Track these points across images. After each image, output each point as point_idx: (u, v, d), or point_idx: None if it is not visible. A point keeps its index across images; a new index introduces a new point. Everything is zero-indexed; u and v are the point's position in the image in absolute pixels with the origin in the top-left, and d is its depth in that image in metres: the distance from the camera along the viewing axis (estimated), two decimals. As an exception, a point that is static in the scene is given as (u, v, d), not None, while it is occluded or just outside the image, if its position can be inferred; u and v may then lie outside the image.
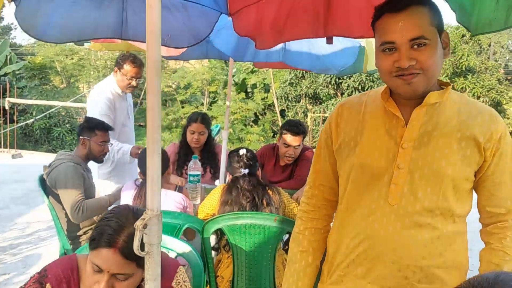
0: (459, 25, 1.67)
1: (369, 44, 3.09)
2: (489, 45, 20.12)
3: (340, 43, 3.06)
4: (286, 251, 2.24)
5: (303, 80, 15.61)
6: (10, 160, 9.02)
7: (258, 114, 17.88)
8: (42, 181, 2.85)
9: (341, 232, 1.42)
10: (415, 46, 1.21)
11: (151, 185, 1.02)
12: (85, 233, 2.85)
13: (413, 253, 1.28)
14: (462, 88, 13.67)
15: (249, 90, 18.20)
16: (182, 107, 18.14)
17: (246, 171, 2.54)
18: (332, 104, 14.63)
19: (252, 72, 17.24)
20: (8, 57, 15.75)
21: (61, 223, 2.81)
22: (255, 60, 3.28)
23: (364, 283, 1.34)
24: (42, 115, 14.14)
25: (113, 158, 3.30)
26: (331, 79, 14.71)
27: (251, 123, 17.66)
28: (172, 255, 2.02)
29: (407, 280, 1.29)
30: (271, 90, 17.05)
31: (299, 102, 16.07)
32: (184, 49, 2.86)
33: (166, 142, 14.78)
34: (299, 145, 3.42)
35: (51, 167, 2.80)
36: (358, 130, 1.38)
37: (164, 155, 2.75)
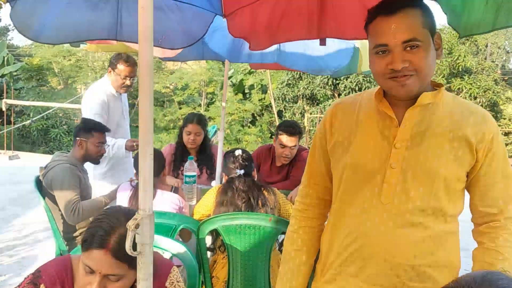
0: (454, 26, 1.68)
1: (364, 45, 3.10)
2: (486, 46, 20.21)
3: (334, 44, 3.07)
4: (282, 251, 2.25)
5: (300, 81, 15.64)
6: (7, 161, 9.01)
7: (255, 115, 17.91)
8: (38, 182, 2.85)
9: (334, 231, 1.43)
10: (408, 48, 1.22)
11: (143, 185, 1.02)
12: (81, 234, 2.85)
13: (405, 251, 1.29)
14: (459, 88, 13.71)
15: (246, 91, 18.23)
16: (180, 108, 18.16)
17: (242, 172, 2.55)
18: (329, 105, 14.64)
19: (250, 73, 17.26)
20: (5, 58, 15.71)
21: (57, 224, 2.80)
22: (250, 61, 3.30)
23: (356, 281, 1.35)
24: (39, 117, 14.12)
25: (107, 154, 3.30)
26: (328, 80, 14.74)
27: (248, 124, 17.68)
28: (167, 255, 2.03)
29: (399, 278, 1.30)
30: (268, 91, 17.08)
31: (296, 103, 16.10)
32: (179, 50, 2.87)
33: (164, 143, 14.77)
34: (295, 146, 3.43)
35: (47, 168, 2.80)
36: (352, 130, 1.39)
37: (160, 157, 2.76)
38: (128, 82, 3.45)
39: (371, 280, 1.33)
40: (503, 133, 14.78)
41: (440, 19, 1.37)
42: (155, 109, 18.94)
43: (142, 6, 0.97)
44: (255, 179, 2.68)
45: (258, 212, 2.41)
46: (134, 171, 2.75)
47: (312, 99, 15.70)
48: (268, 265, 2.34)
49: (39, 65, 18.30)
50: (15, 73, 17.03)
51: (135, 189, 2.62)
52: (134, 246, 1.08)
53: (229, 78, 18.09)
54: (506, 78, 17.45)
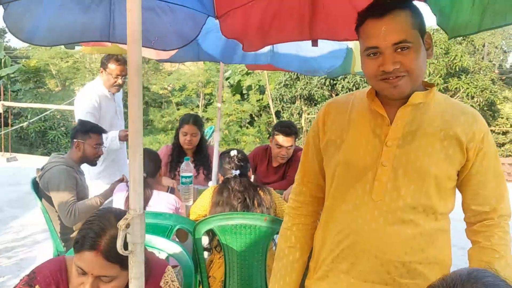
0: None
1: (357, 46, 3.11)
2: (483, 46, 20.24)
3: (327, 45, 3.08)
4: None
5: (298, 82, 15.65)
6: (5, 163, 9.00)
7: (253, 115, 17.92)
8: (35, 184, 2.86)
9: (326, 228, 1.45)
10: (399, 50, 1.24)
11: (133, 185, 1.03)
12: (78, 235, 2.86)
13: (396, 248, 1.30)
14: (456, 88, 13.72)
15: (244, 91, 18.24)
16: (178, 109, 18.17)
17: (237, 172, 2.56)
18: (326, 105, 14.65)
19: (247, 74, 17.28)
20: (3, 60, 15.70)
21: (54, 226, 2.81)
22: (244, 62, 3.31)
23: (348, 278, 1.37)
24: (36, 118, 14.11)
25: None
26: (325, 80, 14.76)
27: (246, 125, 17.70)
28: (163, 256, 2.04)
29: (390, 275, 1.31)
30: (266, 92, 17.09)
31: (294, 103, 16.12)
32: (173, 52, 2.88)
33: (162, 144, 14.76)
34: (291, 146, 3.45)
35: (44, 170, 2.81)
36: (344, 128, 1.41)
37: (156, 158, 2.77)
38: (119, 81, 3.50)
39: (362, 277, 1.34)
40: (501, 133, 14.81)
41: (431, 20, 1.38)
42: (153, 111, 18.95)
43: (130, 8, 0.98)
44: (251, 179, 2.69)
45: (253, 212, 2.42)
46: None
47: (310, 100, 15.72)
48: (264, 264, 2.35)
49: (36, 67, 18.30)
50: (12, 75, 17.01)
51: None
52: (126, 246, 1.09)
53: (227, 79, 18.11)
54: (503, 78, 17.49)
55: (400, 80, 1.25)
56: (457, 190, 1.40)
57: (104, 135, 3.23)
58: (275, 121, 16.49)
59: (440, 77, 13.46)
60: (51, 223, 2.80)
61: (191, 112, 14.22)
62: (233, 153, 2.65)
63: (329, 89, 15.04)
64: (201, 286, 2.47)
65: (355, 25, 1.33)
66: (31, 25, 1.63)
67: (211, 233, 2.47)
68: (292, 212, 1.57)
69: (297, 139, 3.61)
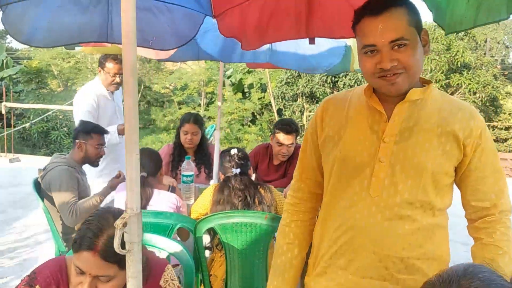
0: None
1: (355, 43, 3.11)
2: (485, 41, 20.17)
3: (325, 43, 3.09)
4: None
5: (300, 79, 15.63)
6: (7, 164, 9.03)
7: (255, 113, 17.92)
8: (37, 184, 2.87)
9: (325, 225, 1.45)
10: (396, 47, 1.24)
11: (130, 184, 1.04)
12: (79, 235, 2.87)
13: (393, 244, 1.31)
14: (458, 84, 13.67)
15: (246, 90, 18.23)
16: (180, 108, 18.18)
17: (238, 170, 2.56)
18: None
19: (249, 72, 17.27)
20: (5, 61, 15.69)
21: (56, 226, 2.83)
22: (242, 61, 3.31)
23: (346, 274, 1.37)
24: (38, 119, 14.14)
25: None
26: (327, 78, 14.75)
27: (248, 123, 17.69)
28: (163, 255, 2.05)
29: (388, 270, 1.32)
30: (267, 90, 17.08)
31: (296, 101, 16.10)
32: (172, 51, 2.90)
33: (164, 144, 14.78)
34: (292, 144, 3.45)
35: (45, 170, 2.82)
36: (342, 124, 1.41)
37: (157, 157, 2.78)
38: (117, 79, 3.54)
39: (360, 273, 1.35)
40: (503, 128, 14.75)
41: (429, 16, 1.39)
42: (155, 110, 18.97)
43: (124, 9, 0.99)
44: (252, 177, 2.69)
45: (254, 210, 2.43)
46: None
47: (312, 97, 15.71)
48: (265, 262, 2.36)
49: (38, 68, 18.34)
50: (14, 76, 17.04)
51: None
52: (123, 245, 1.10)
53: (228, 77, 18.10)
54: (505, 73, 17.42)
55: (398, 77, 1.26)
56: (455, 187, 1.41)
57: (101, 123, 3.27)
58: (277, 119, 16.48)
59: (442, 73, 13.40)
60: (53, 223, 2.81)
61: (193, 111, 14.27)
62: (234, 151, 2.66)
63: (331, 86, 15.02)
64: (202, 285, 2.48)
65: (352, 23, 1.34)
66: (30, 27, 1.64)
67: (212, 232, 2.48)
68: (290, 208, 1.58)
69: (298, 137, 3.61)
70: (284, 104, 16.35)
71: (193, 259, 2.23)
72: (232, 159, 2.61)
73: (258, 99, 17.44)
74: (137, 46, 1.81)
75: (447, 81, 13.72)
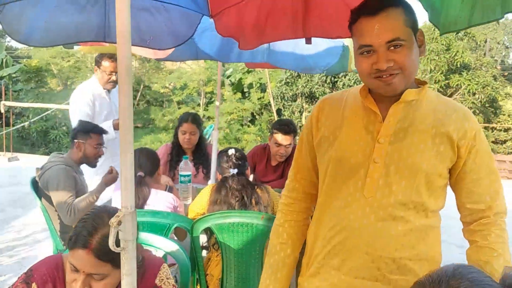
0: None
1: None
2: (485, 41, 20.17)
3: (323, 43, 3.10)
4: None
5: (299, 80, 15.64)
6: (6, 163, 9.02)
7: (254, 114, 17.91)
8: (34, 183, 2.88)
9: (319, 225, 1.46)
10: (392, 48, 1.24)
11: (124, 183, 1.05)
12: (77, 233, 2.87)
13: (386, 244, 1.31)
14: (457, 85, 13.66)
15: (245, 90, 18.22)
16: (179, 108, 18.17)
17: (235, 171, 2.57)
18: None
19: (248, 72, 17.26)
20: (4, 60, 15.72)
21: (54, 224, 2.84)
22: (240, 60, 3.32)
23: (339, 274, 1.38)
24: (37, 118, 14.14)
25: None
26: (326, 78, 14.75)
27: (248, 123, 17.68)
28: (160, 254, 2.06)
29: (380, 271, 1.32)
30: (267, 90, 17.08)
31: (295, 101, 16.10)
32: (170, 51, 2.90)
33: (163, 143, 14.78)
34: (290, 144, 3.46)
35: (43, 169, 2.83)
36: (337, 125, 1.42)
37: (154, 157, 2.78)
38: (114, 77, 3.58)
39: (353, 273, 1.35)
40: (502, 129, 14.74)
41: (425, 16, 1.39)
42: (154, 109, 18.97)
43: (119, 9, 0.99)
44: (250, 178, 2.69)
45: (251, 210, 2.43)
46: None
47: (311, 97, 15.71)
48: (261, 262, 2.36)
49: (37, 67, 18.32)
50: (13, 75, 17.05)
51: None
52: (118, 243, 1.10)
53: (228, 77, 18.10)
54: (505, 74, 17.41)
55: (394, 77, 1.26)
56: (450, 190, 1.41)
57: (97, 121, 3.30)
58: (276, 119, 16.49)
59: (441, 73, 13.39)
60: (50, 222, 2.82)
61: (192, 111, 14.26)
62: (231, 151, 2.66)
63: (330, 86, 15.02)
64: (199, 284, 2.49)
65: (348, 23, 1.34)
66: (27, 26, 1.64)
67: (209, 231, 2.48)
68: (284, 208, 1.59)
69: (296, 137, 3.62)
70: (284, 104, 16.35)
71: (190, 258, 2.24)
72: (229, 159, 2.61)
73: (258, 99, 17.43)
74: (135, 45, 1.84)
75: (447, 81, 13.72)
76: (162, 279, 1.53)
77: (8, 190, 6.53)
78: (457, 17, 1.29)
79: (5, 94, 12.24)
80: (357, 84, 14.16)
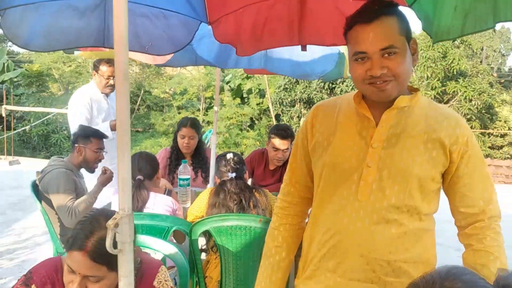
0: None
1: (348, 50, 3.16)
2: (482, 49, 20.21)
3: (319, 49, 3.12)
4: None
5: (297, 85, 15.69)
6: (7, 167, 9.04)
7: (253, 119, 17.93)
8: (35, 187, 2.90)
9: (314, 228, 1.48)
10: (386, 55, 1.27)
11: (121, 186, 1.07)
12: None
13: (380, 247, 1.33)
14: (454, 91, 13.69)
15: (244, 95, 18.26)
16: (179, 113, 18.20)
17: (233, 175, 2.58)
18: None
19: (247, 77, 17.31)
20: (5, 64, 15.74)
21: (54, 227, 2.85)
22: (237, 66, 3.34)
23: (334, 277, 1.40)
24: (38, 122, 14.17)
25: None
26: (324, 84, 14.79)
27: (247, 128, 17.71)
28: (159, 256, 2.08)
29: (375, 273, 1.34)
30: (266, 95, 17.12)
31: (293, 106, 16.14)
32: (168, 56, 2.94)
33: (163, 148, 14.76)
34: (287, 149, 3.48)
35: (43, 173, 2.84)
36: (331, 130, 1.44)
37: (153, 160, 2.81)
38: (112, 81, 3.64)
39: (348, 275, 1.37)
40: (499, 135, 14.75)
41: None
42: (155, 114, 19.00)
43: (117, 14, 1.02)
44: (248, 182, 2.71)
45: (249, 214, 2.45)
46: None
47: (309, 103, 15.74)
48: (259, 264, 2.37)
49: (39, 71, 18.36)
50: (15, 79, 17.08)
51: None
52: (115, 245, 1.12)
53: (227, 83, 18.14)
54: (502, 81, 17.44)
55: (388, 84, 1.29)
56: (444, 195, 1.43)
57: (96, 127, 3.33)
58: (275, 124, 16.49)
59: (438, 80, 13.42)
60: (50, 224, 2.84)
61: (190, 116, 14.27)
62: (229, 156, 2.68)
63: (328, 92, 15.05)
64: (198, 287, 2.50)
65: (344, 30, 1.36)
66: (28, 31, 1.66)
67: (207, 234, 2.50)
68: (280, 212, 1.61)
69: (293, 142, 3.64)
70: (282, 109, 16.39)
71: (189, 261, 2.25)
72: (227, 164, 2.63)
73: (257, 104, 17.47)
74: (134, 51, 1.87)
75: (443, 88, 13.75)
76: (161, 281, 1.54)
77: (9, 193, 6.55)
78: (450, 26, 1.32)
79: (7, 98, 12.29)
80: (354, 90, 14.16)
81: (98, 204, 2.93)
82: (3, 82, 15.70)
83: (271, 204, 2.64)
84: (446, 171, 1.37)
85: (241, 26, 1.91)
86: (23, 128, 13.25)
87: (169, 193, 2.82)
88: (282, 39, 2.00)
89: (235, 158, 2.67)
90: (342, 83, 14.34)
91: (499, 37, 24.09)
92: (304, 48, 1.98)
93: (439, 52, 13.39)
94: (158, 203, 2.61)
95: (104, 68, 3.61)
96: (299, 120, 15.87)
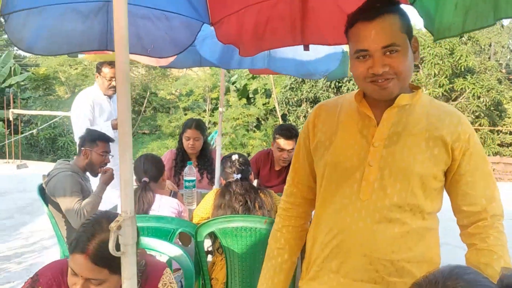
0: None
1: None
2: (490, 45, 20.06)
3: (323, 49, 3.11)
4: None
5: (304, 85, 15.65)
6: (15, 170, 9.10)
7: (260, 119, 17.92)
8: (41, 190, 2.92)
9: (317, 229, 1.47)
10: (388, 53, 1.27)
11: (124, 188, 1.07)
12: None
13: (383, 247, 1.32)
14: (461, 88, 13.59)
15: (250, 95, 18.27)
16: (185, 114, 18.24)
17: (239, 176, 2.59)
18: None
19: (253, 78, 17.30)
20: (12, 68, 15.88)
21: (60, 231, 2.87)
22: (241, 67, 3.35)
23: (337, 277, 1.39)
24: (46, 125, 14.26)
25: None
26: (330, 83, 14.73)
27: (253, 128, 17.71)
28: (164, 258, 2.08)
29: (378, 273, 1.33)
30: (272, 95, 17.12)
31: (300, 106, 16.11)
32: (172, 58, 2.94)
33: (170, 149, 14.79)
34: (292, 149, 3.47)
35: (49, 176, 2.86)
36: (333, 130, 1.44)
37: (159, 162, 2.82)
38: (114, 83, 3.71)
39: (351, 275, 1.36)
40: (508, 132, 14.62)
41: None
42: (161, 116, 19.06)
43: (117, 14, 1.02)
44: (253, 183, 2.72)
45: (254, 215, 2.45)
46: (134, 177, 2.80)
47: (316, 102, 15.69)
48: (264, 266, 2.38)
49: (45, 75, 18.48)
50: (22, 83, 17.21)
51: (134, 193, 2.67)
52: (118, 247, 1.13)
53: (233, 83, 18.16)
54: (510, 77, 17.27)
55: (389, 82, 1.28)
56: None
57: (97, 126, 3.36)
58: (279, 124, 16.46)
59: (445, 77, 13.33)
60: (57, 228, 2.85)
61: (197, 117, 14.31)
62: (235, 157, 2.69)
63: (335, 91, 15.01)
64: (203, 288, 2.51)
65: (345, 28, 1.36)
66: (32, 35, 1.67)
67: (213, 236, 2.51)
68: (282, 213, 1.61)
69: (298, 142, 3.63)
70: (289, 109, 16.36)
71: (195, 263, 2.25)
72: (233, 165, 2.64)
73: (263, 104, 17.47)
74: (136, 54, 1.87)
75: (451, 85, 13.65)
76: (165, 284, 1.55)
77: (17, 197, 6.60)
78: (451, 23, 1.31)
79: (14, 102, 12.37)
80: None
81: (105, 206, 2.94)
82: (10, 86, 15.83)
83: (277, 205, 2.63)
84: (448, 169, 1.36)
85: (243, 27, 1.91)
86: (30, 132, 13.36)
87: (174, 195, 2.83)
88: (284, 39, 2.00)
89: (240, 160, 2.67)
90: (349, 82, 14.29)
91: (508, 33, 23.92)
92: (306, 48, 1.98)
93: (446, 49, 13.28)
94: (164, 205, 2.62)
95: (106, 70, 3.67)
96: (306, 119, 15.83)
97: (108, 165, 3.35)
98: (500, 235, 1.33)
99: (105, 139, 3.02)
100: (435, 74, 13.44)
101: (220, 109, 3.83)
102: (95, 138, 2.98)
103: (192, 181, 3.09)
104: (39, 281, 1.49)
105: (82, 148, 2.95)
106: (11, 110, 10.48)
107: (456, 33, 1.29)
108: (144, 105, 19.26)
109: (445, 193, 1.42)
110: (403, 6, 1.35)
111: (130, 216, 1.07)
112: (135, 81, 18.94)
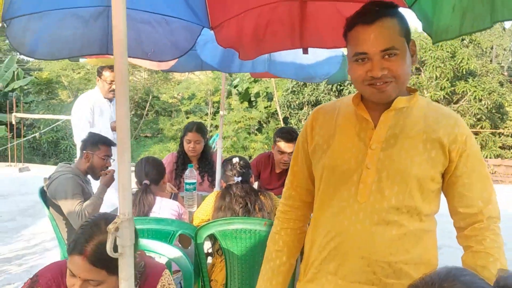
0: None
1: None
2: (491, 48, 20.02)
3: (323, 52, 3.13)
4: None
5: (305, 88, 15.65)
6: (17, 173, 9.14)
7: (261, 122, 17.92)
8: (42, 193, 2.94)
9: (315, 231, 1.48)
10: (387, 56, 1.28)
11: (122, 190, 1.08)
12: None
13: (381, 249, 1.33)
14: (463, 91, 13.57)
15: (252, 99, 18.27)
16: (187, 118, 18.24)
17: (239, 179, 2.60)
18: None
19: (255, 81, 17.31)
20: (15, 72, 15.94)
21: (61, 233, 2.88)
22: (241, 70, 3.36)
23: (335, 279, 1.40)
24: (48, 129, 14.31)
25: None
26: (332, 86, 14.72)
27: (255, 132, 17.71)
28: (164, 260, 2.09)
29: (376, 275, 1.34)
30: (274, 99, 17.12)
31: (301, 109, 16.10)
32: (172, 62, 2.96)
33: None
34: (293, 152, 3.48)
35: (51, 179, 2.88)
36: (331, 133, 1.45)
37: (159, 165, 2.83)
38: (114, 86, 3.73)
39: (349, 277, 1.37)
40: (510, 135, 14.58)
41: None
42: (163, 119, 19.09)
43: (115, 18, 1.04)
44: (254, 186, 2.73)
45: (254, 217, 2.46)
46: (135, 180, 2.82)
47: (317, 105, 15.67)
48: (264, 268, 2.38)
49: (48, 79, 18.54)
50: (25, 87, 17.26)
51: (134, 196, 2.69)
52: (116, 248, 1.14)
53: (235, 86, 18.16)
54: (512, 80, 17.26)
55: (388, 85, 1.29)
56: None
57: (95, 129, 3.39)
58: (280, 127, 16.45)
59: (447, 80, 13.30)
60: (58, 230, 2.87)
61: (198, 120, 14.31)
62: (235, 160, 2.70)
63: (336, 95, 15.00)
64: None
65: (344, 31, 1.37)
66: (33, 39, 1.69)
67: (213, 238, 2.52)
68: (281, 216, 1.61)
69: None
70: (290, 112, 16.36)
71: (194, 265, 2.26)
72: (233, 168, 2.65)
73: (265, 107, 17.46)
74: (136, 58, 1.89)
75: (453, 88, 13.62)
76: (164, 285, 1.56)
77: (19, 199, 6.63)
78: (448, 26, 1.32)
79: (17, 106, 12.41)
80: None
81: (106, 208, 2.96)
82: (13, 90, 15.88)
83: (277, 207, 2.64)
84: (445, 171, 1.36)
85: (243, 30, 1.93)
86: (33, 135, 13.41)
87: (175, 197, 2.84)
88: (284, 43, 2.01)
89: (241, 162, 2.68)
90: (350, 85, 14.27)
91: (509, 36, 23.86)
92: (305, 51, 1.99)
93: (448, 52, 13.26)
94: (164, 208, 2.63)
95: (106, 74, 3.75)
96: (307, 123, 15.80)
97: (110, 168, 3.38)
98: (496, 237, 1.34)
99: (107, 143, 3.04)
100: (436, 77, 13.42)
101: (221, 112, 3.85)
102: (97, 142, 2.99)
103: (193, 183, 3.10)
104: (39, 282, 1.50)
105: (84, 152, 2.97)
106: (14, 113, 10.54)
107: (454, 36, 1.31)
108: (146, 109, 19.29)
109: (443, 196, 1.43)
110: (401, 10, 1.37)
111: (128, 218, 1.08)
112: (138, 85, 18.97)
